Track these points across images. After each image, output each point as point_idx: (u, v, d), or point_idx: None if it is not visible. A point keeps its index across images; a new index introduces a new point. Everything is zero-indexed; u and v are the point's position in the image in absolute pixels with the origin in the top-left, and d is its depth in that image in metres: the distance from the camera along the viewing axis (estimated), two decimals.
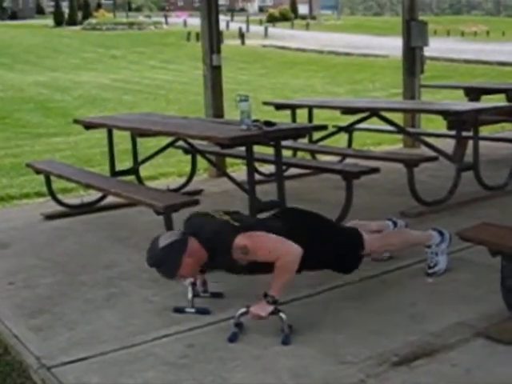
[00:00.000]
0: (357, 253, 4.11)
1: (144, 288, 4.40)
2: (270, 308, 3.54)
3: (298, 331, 3.59)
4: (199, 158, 7.22)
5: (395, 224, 4.65)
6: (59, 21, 51.39)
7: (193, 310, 3.94)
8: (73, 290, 4.42)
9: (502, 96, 8.78)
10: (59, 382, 3.23)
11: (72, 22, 51.54)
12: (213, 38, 7.69)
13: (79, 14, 53.57)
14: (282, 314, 3.55)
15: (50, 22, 51.42)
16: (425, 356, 3.32)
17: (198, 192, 6.99)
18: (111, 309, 4.10)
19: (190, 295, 3.99)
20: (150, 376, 3.25)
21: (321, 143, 7.80)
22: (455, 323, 3.66)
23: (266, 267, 3.61)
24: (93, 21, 48.52)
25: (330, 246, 3.98)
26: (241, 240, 3.60)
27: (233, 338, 3.57)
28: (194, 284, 4.03)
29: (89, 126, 7.05)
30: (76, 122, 7.20)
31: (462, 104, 7.20)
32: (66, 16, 53.16)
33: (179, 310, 3.96)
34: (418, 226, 4.88)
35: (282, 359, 3.34)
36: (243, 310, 3.61)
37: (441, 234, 4.44)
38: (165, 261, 3.67)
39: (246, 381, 3.16)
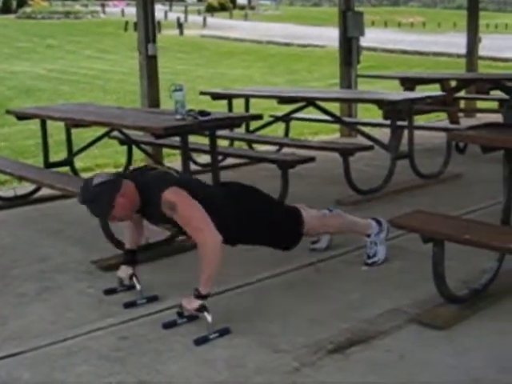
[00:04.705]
0: (295, 229, 4.07)
1: (79, 281, 4.34)
2: (197, 303, 3.44)
3: (233, 321, 3.57)
4: (135, 149, 7.14)
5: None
6: None
7: (144, 301, 3.88)
8: (4, 285, 4.31)
9: (437, 86, 8.93)
10: None
11: (6, 10, 50.34)
12: (148, 27, 7.59)
13: (14, 3, 52.37)
14: (207, 315, 3.44)
15: None
16: (360, 343, 3.35)
17: None
18: (44, 302, 4.02)
19: (138, 286, 3.93)
20: (83, 370, 3.19)
21: (258, 133, 7.81)
22: (389, 310, 3.70)
23: None
24: (28, 9, 47.37)
25: (269, 221, 3.94)
26: (171, 195, 3.49)
27: (167, 325, 3.54)
28: (134, 275, 3.98)
29: (22, 116, 6.89)
30: (8, 112, 7.03)
31: (397, 94, 7.29)
32: (0, 4, 51.95)
33: (131, 305, 3.86)
34: (354, 215, 4.89)
35: (216, 350, 3.32)
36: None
37: (379, 223, 4.45)
38: (97, 197, 3.55)
39: (181, 372, 3.14)
